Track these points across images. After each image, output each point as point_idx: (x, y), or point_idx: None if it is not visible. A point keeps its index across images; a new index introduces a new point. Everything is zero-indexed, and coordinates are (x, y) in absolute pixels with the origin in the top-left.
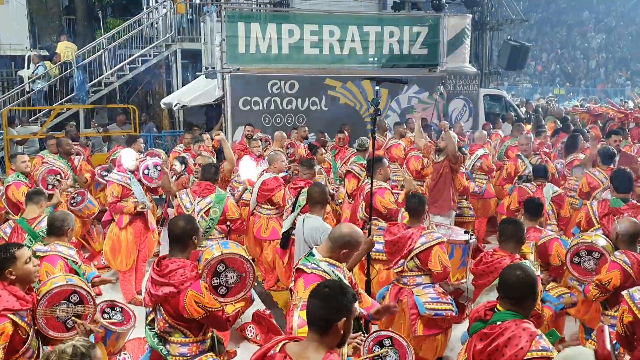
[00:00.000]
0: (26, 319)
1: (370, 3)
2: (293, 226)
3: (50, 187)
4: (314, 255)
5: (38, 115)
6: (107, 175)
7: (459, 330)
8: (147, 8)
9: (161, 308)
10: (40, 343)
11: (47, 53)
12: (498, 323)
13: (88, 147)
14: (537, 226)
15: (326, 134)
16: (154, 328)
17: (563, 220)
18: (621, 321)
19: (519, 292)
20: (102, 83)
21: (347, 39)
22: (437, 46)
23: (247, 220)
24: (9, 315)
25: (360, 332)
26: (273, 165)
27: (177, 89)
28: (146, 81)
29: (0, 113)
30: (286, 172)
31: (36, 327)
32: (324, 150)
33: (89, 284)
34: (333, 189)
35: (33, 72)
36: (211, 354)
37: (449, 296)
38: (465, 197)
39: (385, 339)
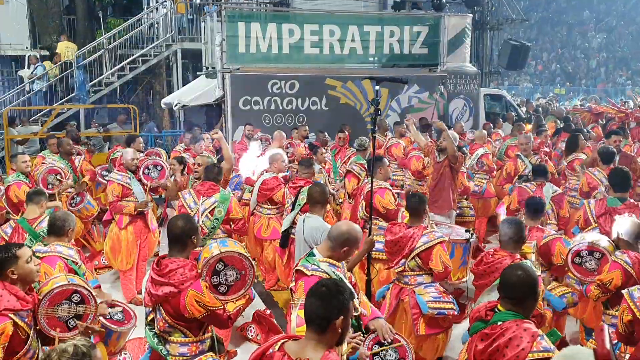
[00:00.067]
0: (26, 319)
1: (370, 3)
2: (292, 225)
3: (50, 186)
4: (314, 255)
5: (38, 115)
6: (107, 175)
7: (458, 329)
8: (147, 8)
9: (161, 308)
10: (39, 343)
11: (47, 53)
12: (499, 323)
13: (89, 151)
14: (539, 226)
15: (326, 133)
16: (154, 328)
17: (562, 220)
18: (621, 320)
19: (520, 292)
20: (102, 83)
21: (348, 39)
22: (437, 46)
23: (247, 220)
24: (9, 315)
25: (360, 332)
26: (273, 165)
27: (178, 88)
28: (146, 81)
29: (0, 113)
30: (287, 171)
31: (37, 328)
32: (324, 150)
33: (90, 284)
34: (334, 189)
35: (32, 73)
36: (211, 353)
37: (450, 295)
38: (465, 196)
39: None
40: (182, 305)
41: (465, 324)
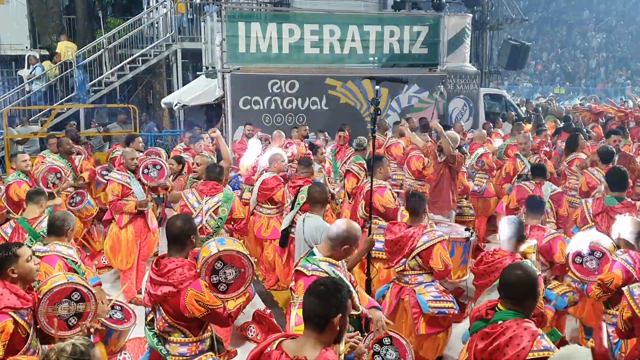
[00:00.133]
0: (26, 318)
1: (370, 3)
2: (292, 224)
3: (50, 185)
4: (314, 254)
5: (38, 115)
6: (107, 175)
7: (459, 328)
8: (147, 7)
9: (160, 308)
10: (39, 342)
11: (47, 53)
12: (499, 322)
13: (89, 152)
14: (540, 224)
15: (326, 133)
16: (154, 328)
17: (561, 219)
18: (621, 317)
19: (519, 291)
20: (102, 83)
21: (348, 39)
22: (437, 45)
23: (247, 219)
24: (10, 313)
25: (358, 332)
26: (273, 165)
27: (178, 88)
28: (146, 81)
29: (0, 113)
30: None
31: (38, 327)
32: (324, 150)
33: (90, 283)
34: (334, 189)
35: (31, 73)
36: (211, 353)
37: (450, 294)
38: (465, 196)
39: (385, 338)
40: (182, 305)
41: (465, 323)
